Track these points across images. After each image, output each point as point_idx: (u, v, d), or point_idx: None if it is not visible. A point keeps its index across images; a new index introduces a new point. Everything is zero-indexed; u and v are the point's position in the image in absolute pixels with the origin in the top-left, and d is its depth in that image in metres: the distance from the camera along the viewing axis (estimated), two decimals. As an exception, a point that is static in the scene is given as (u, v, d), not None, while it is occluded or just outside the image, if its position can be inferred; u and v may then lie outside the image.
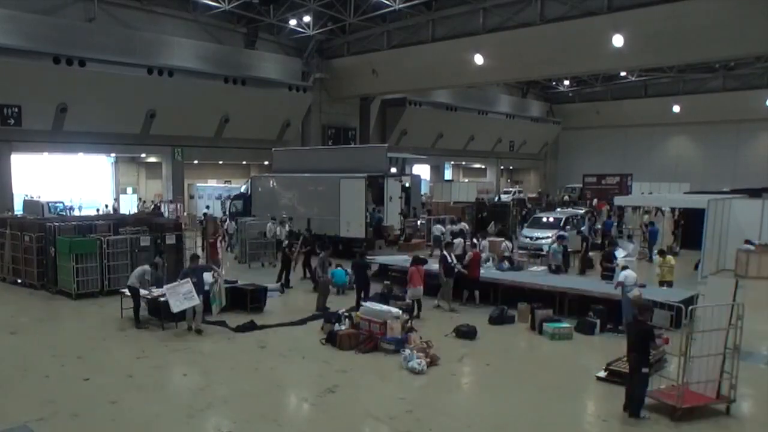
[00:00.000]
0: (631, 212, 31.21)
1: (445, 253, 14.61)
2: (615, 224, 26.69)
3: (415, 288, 13.42)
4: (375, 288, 14.29)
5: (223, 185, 36.99)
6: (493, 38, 27.72)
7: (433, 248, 22.13)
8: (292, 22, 31.86)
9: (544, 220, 23.71)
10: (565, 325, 12.27)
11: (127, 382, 9.39)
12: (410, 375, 9.75)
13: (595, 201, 37.47)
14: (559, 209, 29.05)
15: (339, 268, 16.08)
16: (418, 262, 14.07)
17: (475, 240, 19.09)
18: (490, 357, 10.92)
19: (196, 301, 11.87)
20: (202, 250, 18.97)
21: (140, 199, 36.25)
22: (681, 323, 8.53)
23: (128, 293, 12.72)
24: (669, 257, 15.55)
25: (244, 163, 39.61)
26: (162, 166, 33.35)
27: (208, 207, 32.17)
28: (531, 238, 22.53)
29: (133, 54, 27.55)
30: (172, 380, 9.49)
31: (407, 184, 24.37)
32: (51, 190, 33.11)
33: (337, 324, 11.61)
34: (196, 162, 35.22)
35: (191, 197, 36.02)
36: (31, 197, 30.11)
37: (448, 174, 52.21)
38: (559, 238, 19.41)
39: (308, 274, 17.14)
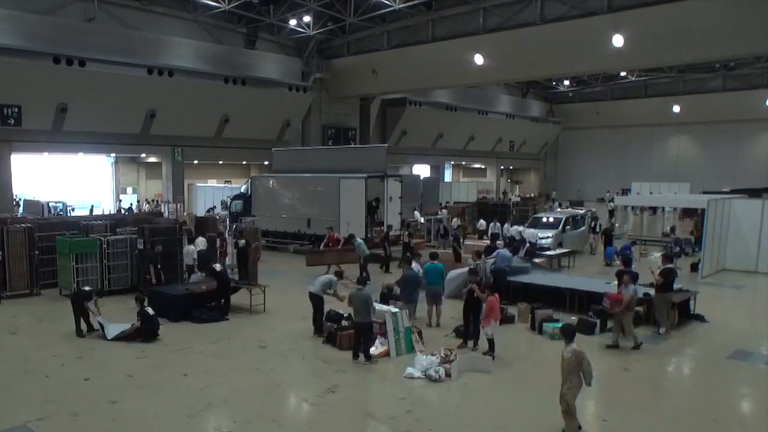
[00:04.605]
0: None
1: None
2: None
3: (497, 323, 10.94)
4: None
5: (222, 185, 37.02)
6: (493, 38, 27.69)
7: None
8: (292, 22, 31.84)
9: (544, 220, 23.73)
10: (565, 325, 12.26)
11: (127, 382, 9.39)
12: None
13: None
14: (559, 210, 28.98)
15: None
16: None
17: None
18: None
19: None
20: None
21: (157, 201, 35.25)
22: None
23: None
24: None
25: (244, 163, 39.63)
26: (162, 166, 33.35)
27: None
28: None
29: (133, 54, 27.53)
30: (172, 380, 9.48)
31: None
32: (51, 190, 33.18)
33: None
34: (196, 162, 35.22)
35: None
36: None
37: (448, 174, 52.22)
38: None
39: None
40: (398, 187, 22.36)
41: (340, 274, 13.72)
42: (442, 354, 10.05)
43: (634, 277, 12.47)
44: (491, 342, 10.68)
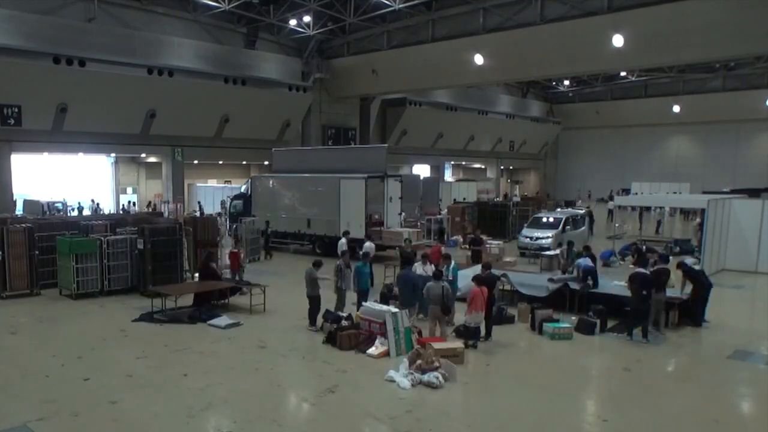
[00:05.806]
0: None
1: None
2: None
3: (478, 313, 11.04)
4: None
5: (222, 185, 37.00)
6: (493, 38, 27.73)
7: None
8: (292, 22, 31.86)
9: (544, 220, 23.73)
10: (565, 325, 12.27)
11: (127, 382, 9.38)
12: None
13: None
14: (559, 209, 28.97)
15: None
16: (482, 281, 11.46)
17: None
18: (490, 357, 10.91)
19: None
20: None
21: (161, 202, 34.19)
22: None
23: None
24: None
25: (244, 163, 39.66)
26: (162, 166, 33.37)
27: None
28: (531, 238, 22.55)
29: (133, 54, 27.56)
30: (172, 380, 9.47)
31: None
32: (51, 190, 33.16)
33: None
34: (196, 162, 35.25)
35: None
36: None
37: (448, 174, 52.25)
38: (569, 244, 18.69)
39: None
40: (398, 188, 22.35)
41: (390, 287, 14.23)
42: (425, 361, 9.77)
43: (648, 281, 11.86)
44: (475, 330, 11.12)
